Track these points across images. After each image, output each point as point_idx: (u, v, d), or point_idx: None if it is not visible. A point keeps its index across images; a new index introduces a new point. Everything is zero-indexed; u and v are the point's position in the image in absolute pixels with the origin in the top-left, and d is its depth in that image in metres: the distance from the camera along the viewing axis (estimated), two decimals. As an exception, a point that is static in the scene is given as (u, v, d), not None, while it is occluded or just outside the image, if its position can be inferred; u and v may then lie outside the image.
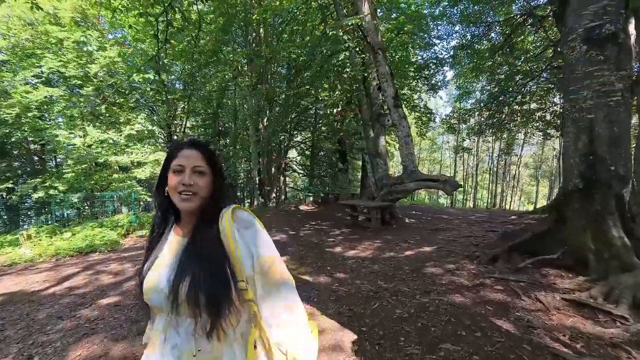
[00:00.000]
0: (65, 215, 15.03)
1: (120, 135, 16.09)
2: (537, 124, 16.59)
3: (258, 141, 15.15)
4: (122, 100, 16.85)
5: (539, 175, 27.06)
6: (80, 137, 15.08)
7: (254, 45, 16.03)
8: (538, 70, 13.50)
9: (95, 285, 5.61)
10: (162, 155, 17.04)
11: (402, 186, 8.45)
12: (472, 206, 23.11)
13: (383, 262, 5.43)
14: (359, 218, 9.49)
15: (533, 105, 16.08)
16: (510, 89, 14.02)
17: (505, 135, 17.24)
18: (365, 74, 8.93)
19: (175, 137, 23.43)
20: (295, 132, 24.48)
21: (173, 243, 1.08)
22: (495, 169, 25.24)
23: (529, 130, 17.29)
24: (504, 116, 15.33)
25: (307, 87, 12.12)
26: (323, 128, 23.19)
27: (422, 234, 7.77)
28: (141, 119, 16.34)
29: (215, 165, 1.07)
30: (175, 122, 23.73)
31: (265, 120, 16.73)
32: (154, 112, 18.76)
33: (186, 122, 23.82)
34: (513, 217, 10.80)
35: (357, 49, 8.46)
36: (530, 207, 29.93)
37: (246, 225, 1.05)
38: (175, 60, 18.33)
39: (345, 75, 9.09)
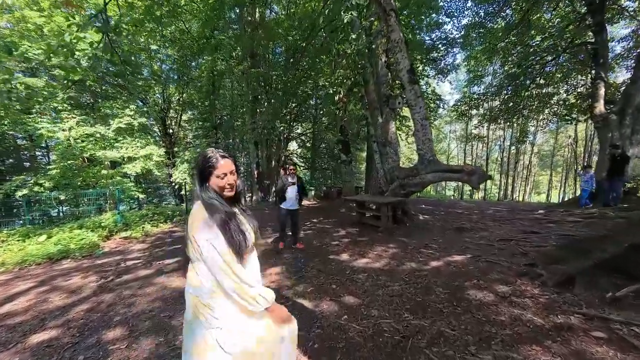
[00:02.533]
0: (51, 214, 13.76)
1: (109, 128, 14.75)
2: (555, 108, 15.06)
3: (254, 129, 13.70)
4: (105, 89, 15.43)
5: (553, 165, 25.46)
6: (64, 130, 13.70)
7: (249, 30, 14.52)
8: (560, 49, 11.90)
9: (37, 310, 4.31)
10: (154, 150, 15.70)
11: (417, 178, 7.05)
12: (482, 198, 21.68)
13: (404, 278, 4.06)
14: (366, 215, 8.13)
15: (550, 89, 14.55)
16: (530, 69, 12.47)
17: (519, 122, 15.72)
18: (373, 45, 7.44)
19: (170, 131, 22.15)
20: (295, 124, 23.06)
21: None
22: (506, 158, 23.69)
23: (546, 116, 15.71)
24: (520, 100, 13.80)
25: (307, 71, 10.66)
26: (324, 119, 21.82)
27: (443, 234, 6.39)
28: (130, 111, 14.92)
29: (238, 167, 1.69)
30: (170, 114, 22.39)
31: (263, 107, 15.25)
32: (145, 103, 17.30)
33: (181, 115, 22.42)
34: (541, 211, 9.39)
35: (362, 16, 6.99)
36: (540, 199, 28.39)
37: None
38: (165, 44, 16.89)
39: (349, 51, 7.62)
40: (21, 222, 14.82)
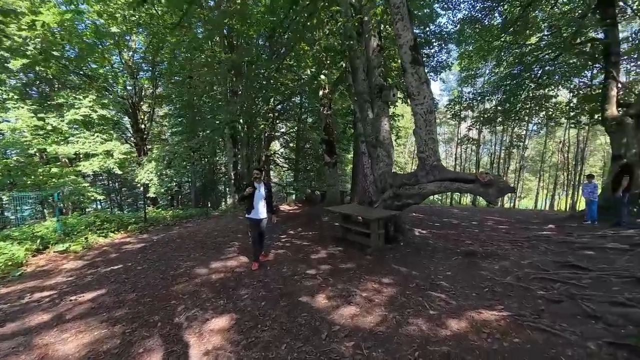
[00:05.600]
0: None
1: (62, 120, 12.63)
2: (551, 111, 13.91)
3: (232, 121, 11.86)
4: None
5: (542, 170, 24.53)
6: (7, 121, 11.53)
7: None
8: (562, 46, 10.59)
9: None
10: (116, 146, 13.64)
11: (416, 188, 5.49)
12: (472, 203, 20.54)
13: (414, 355, 2.47)
14: (352, 230, 6.50)
15: (548, 91, 13.38)
16: (529, 68, 11.19)
17: (513, 125, 14.59)
18: (365, 17, 5.81)
19: (142, 127, 19.95)
20: (279, 122, 21.31)
21: None
22: (496, 163, 22.63)
23: (540, 120, 14.55)
24: (517, 102, 12.53)
25: (285, 57, 8.96)
26: (309, 118, 20.18)
27: (450, 263, 4.84)
28: (89, 101, 12.84)
29: None
30: (143, 108, 20.20)
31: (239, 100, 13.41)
32: (110, 93, 15.10)
33: (154, 110, 20.27)
34: (550, 225, 8.02)
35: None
36: (529, 204, 27.57)
37: None
38: (133, 30, 14.79)
39: (335, 28, 5.98)
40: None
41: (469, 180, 4.85)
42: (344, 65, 7.40)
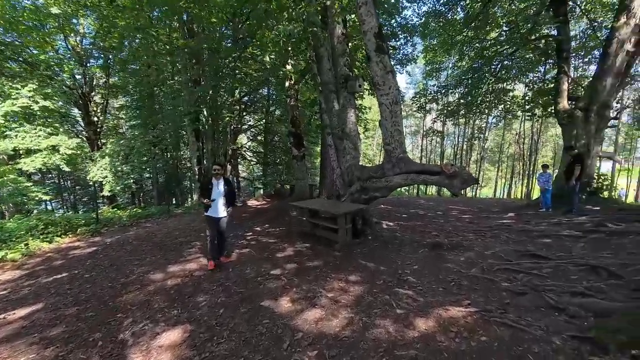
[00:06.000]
0: None
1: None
2: (508, 105, 14.54)
3: (192, 112, 11.12)
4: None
5: (500, 160, 25.87)
6: None
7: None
8: (519, 41, 10.95)
9: None
10: (62, 141, 12.39)
11: (383, 180, 5.37)
12: (437, 193, 21.18)
13: (379, 363, 2.30)
14: (319, 226, 6.29)
15: (505, 85, 13.93)
16: (495, 61, 11.52)
17: (475, 117, 15.09)
18: (328, 2, 5.51)
19: (95, 119, 18.35)
20: (246, 114, 20.54)
21: None
22: (459, 154, 23.48)
23: (499, 113, 15.16)
24: (478, 95, 12.91)
25: (246, 42, 8.46)
26: (277, 110, 19.63)
27: (417, 256, 4.78)
28: (29, 90, 11.50)
29: None
30: (95, 99, 18.58)
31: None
32: (53, 80, 13.59)
33: (107, 101, 18.73)
34: (510, 214, 8.32)
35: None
36: (488, 193, 28.97)
37: None
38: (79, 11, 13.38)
39: (297, 14, 5.63)
40: None
41: (434, 172, 4.79)
42: (308, 54, 7.09)
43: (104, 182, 12.83)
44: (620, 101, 11.78)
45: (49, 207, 20.17)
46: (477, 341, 2.42)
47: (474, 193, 23.77)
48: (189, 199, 22.51)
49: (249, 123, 21.68)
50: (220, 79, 10.16)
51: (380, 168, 5.50)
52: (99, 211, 12.40)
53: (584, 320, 2.43)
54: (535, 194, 21.68)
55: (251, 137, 21.69)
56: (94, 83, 18.54)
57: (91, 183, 13.43)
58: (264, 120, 20.27)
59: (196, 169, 14.77)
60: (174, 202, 19.98)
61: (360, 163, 6.57)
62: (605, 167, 19.72)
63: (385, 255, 4.91)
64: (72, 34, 15.49)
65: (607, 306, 2.49)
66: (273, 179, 20.83)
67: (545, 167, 8.89)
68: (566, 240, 4.68)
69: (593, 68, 12.62)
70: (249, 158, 21.69)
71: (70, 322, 3.56)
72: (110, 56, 17.01)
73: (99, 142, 18.10)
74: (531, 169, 20.52)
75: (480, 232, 5.91)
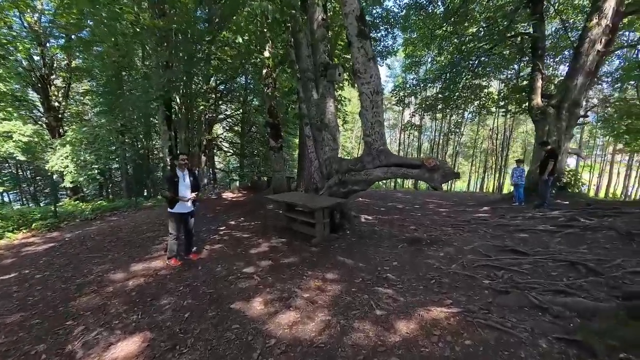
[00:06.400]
0: None
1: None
2: (484, 100, 14.80)
3: (161, 96, 10.38)
4: None
5: (474, 155, 26.64)
6: None
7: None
8: (496, 38, 11.03)
9: None
10: (16, 127, 11.29)
11: (362, 174, 5.16)
12: (414, 186, 21.48)
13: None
14: (296, 220, 6.03)
15: (481, 81, 14.13)
16: (466, 58, 11.57)
17: (452, 112, 15.27)
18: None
19: (56, 105, 16.91)
20: (222, 104, 19.74)
21: None
22: (436, 148, 23.86)
23: (475, 108, 15.40)
24: (456, 90, 13.00)
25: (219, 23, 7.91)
26: (255, 100, 18.99)
27: (396, 251, 4.63)
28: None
29: None
30: (57, 83, 17.15)
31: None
32: (5, 60, 12.26)
33: (70, 85, 17.34)
34: (485, 208, 8.42)
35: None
36: (462, 186, 29.75)
37: None
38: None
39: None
40: None
41: (415, 165, 4.63)
42: (287, 39, 6.70)
43: (65, 173, 11.86)
44: (587, 100, 12.22)
45: (6, 200, 18.57)
46: (462, 345, 2.26)
47: (449, 187, 24.37)
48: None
49: (226, 113, 20.90)
50: (194, 64, 9.54)
51: (359, 161, 5.29)
52: (60, 204, 11.50)
53: (569, 321, 2.33)
54: (506, 187, 22.48)
55: (227, 128, 20.93)
56: (55, 65, 17.09)
57: (50, 174, 12.37)
58: (241, 110, 19.61)
59: (168, 160, 14.00)
60: (145, 193, 18.97)
61: (338, 155, 6.34)
62: (571, 163, 20.79)
63: (363, 250, 4.73)
64: (28, 10, 14.07)
65: (591, 306, 2.41)
66: (250, 170, 20.29)
67: (519, 162, 9.05)
68: (542, 234, 4.69)
69: (563, 68, 13.05)
70: (226, 149, 20.97)
71: (11, 332, 3.11)
72: (72, 36, 15.67)
73: (60, 130, 16.76)
74: (502, 163, 21.26)
75: (458, 226, 5.87)
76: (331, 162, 5.96)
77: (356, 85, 4.65)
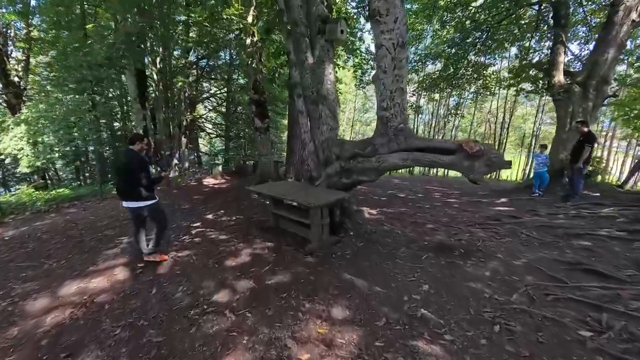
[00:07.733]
0: None
1: None
2: (487, 80, 13.56)
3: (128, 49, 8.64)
4: None
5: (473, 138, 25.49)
6: None
7: None
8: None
9: None
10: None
11: (373, 160, 3.87)
12: (408, 172, 20.32)
13: None
14: (286, 218, 4.71)
15: (485, 59, 12.84)
16: (484, 27, 10.17)
17: (454, 93, 14.02)
18: None
19: (16, 80, 14.71)
20: (204, 81, 17.85)
21: None
22: (433, 130, 22.64)
23: (477, 88, 14.15)
24: (460, 67, 11.67)
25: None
26: (240, 78, 17.20)
27: (422, 265, 3.41)
28: None
29: None
30: (17, 56, 14.95)
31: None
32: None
33: (29, 57, 15.12)
34: (503, 199, 7.29)
35: None
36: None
37: None
38: None
39: None
40: None
41: (448, 150, 3.36)
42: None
43: (20, 156, 10.12)
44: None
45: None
46: None
47: (444, 171, 23.40)
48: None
49: (210, 92, 19.04)
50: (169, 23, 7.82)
51: (369, 143, 3.97)
52: (14, 193, 9.87)
53: None
54: (505, 175, 21.60)
55: (211, 108, 19.11)
56: (11, 34, 14.85)
57: (2, 157, 10.59)
58: (225, 89, 17.82)
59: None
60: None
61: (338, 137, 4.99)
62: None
63: (376, 263, 3.50)
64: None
65: None
66: (236, 153, 18.72)
67: (543, 147, 7.90)
68: (610, 242, 3.54)
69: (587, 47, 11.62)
70: (209, 131, 19.24)
71: None
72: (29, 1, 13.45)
73: (22, 108, 14.71)
74: (501, 149, 20.25)
75: (486, 226, 4.68)
76: (330, 145, 4.62)
77: (372, 33, 3.27)
